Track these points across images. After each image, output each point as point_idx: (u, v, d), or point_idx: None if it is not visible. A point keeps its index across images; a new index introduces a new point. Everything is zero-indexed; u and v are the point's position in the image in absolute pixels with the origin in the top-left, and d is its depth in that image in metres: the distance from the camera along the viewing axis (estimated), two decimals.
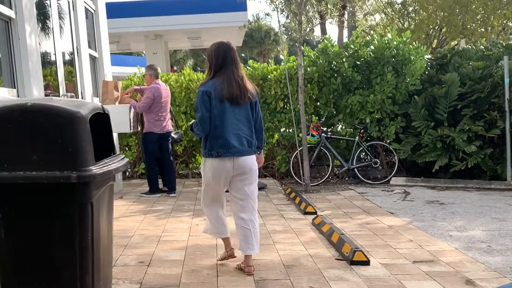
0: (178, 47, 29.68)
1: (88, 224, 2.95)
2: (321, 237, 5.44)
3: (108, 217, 3.28)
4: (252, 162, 4.23)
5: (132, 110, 8.00)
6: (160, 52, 18.39)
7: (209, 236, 4.88)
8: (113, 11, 13.32)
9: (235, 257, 4.47)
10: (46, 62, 6.22)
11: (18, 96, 5.08)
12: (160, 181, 8.35)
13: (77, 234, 2.92)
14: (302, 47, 9.08)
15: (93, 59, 8.74)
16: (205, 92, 4.08)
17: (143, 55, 21.74)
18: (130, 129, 7.96)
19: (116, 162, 3.22)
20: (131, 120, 7.97)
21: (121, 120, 7.82)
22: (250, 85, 4.22)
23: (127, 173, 10.30)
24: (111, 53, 20.41)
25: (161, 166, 8.32)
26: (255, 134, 4.28)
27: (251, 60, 10.55)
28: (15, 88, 5.11)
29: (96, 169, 2.92)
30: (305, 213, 6.65)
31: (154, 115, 7.92)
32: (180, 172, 10.65)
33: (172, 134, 8.19)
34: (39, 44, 5.61)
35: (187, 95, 10.16)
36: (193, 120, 4.31)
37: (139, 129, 8.62)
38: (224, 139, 4.08)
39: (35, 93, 5.27)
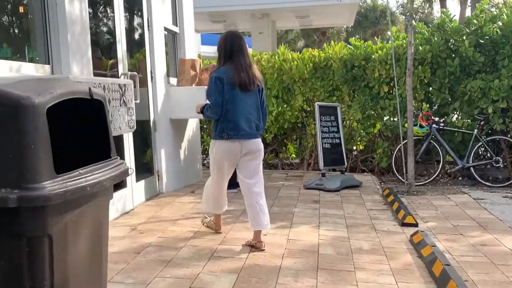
0: (286, 27, 28.65)
1: (43, 267, 1.98)
2: (419, 263, 4.19)
3: (91, 251, 2.31)
4: (259, 143, 4.50)
5: None
6: (266, 32, 17.54)
7: (271, 255, 4.20)
8: None
9: (220, 233, 4.89)
10: (100, 36, 5.40)
11: (52, 73, 4.29)
12: None
13: (26, 282, 1.96)
14: (413, 22, 7.66)
15: (172, 34, 7.92)
16: (218, 78, 4.27)
17: (249, 35, 20.95)
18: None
19: (103, 172, 2.22)
20: None
21: (195, 104, 6.90)
22: (257, 73, 4.45)
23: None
24: (216, 33, 19.93)
25: None
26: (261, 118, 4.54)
27: (353, 38, 9.24)
28: (49, 64, 4.31)
29: (54, 186, 1.94)
30: (403, 224, 5.38)
31: None
32: (268, 162, 9.65)
33: None
34: (88, 13, 4.76)
35: (279, 77, 9.12)
36: (206, 103, 4.46)
37: None
38: (235, 123, 4.32)
39: (75, 71, 4.44)
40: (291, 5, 15.96)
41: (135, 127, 4.46)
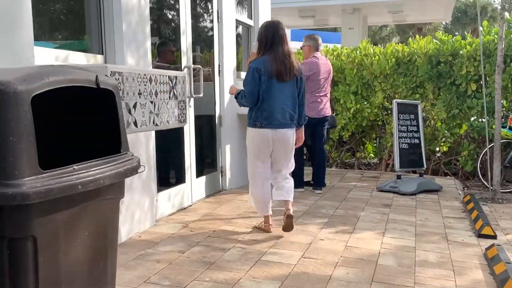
0: (378, 22, 27.79)
1: (27, 271, 1.81)
2: (490, 282, 3.72)
3: (93, 254, 2.12)
4: (291, 133, 4.63)
5: None
6: (356, 27, 16.97)
7: (323, 263, 3.92)
8: None
9: (270, 232, 4.72)
10: (162, 26, 5.28)
11: (105, 63, 4.20)
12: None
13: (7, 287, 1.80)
14: (506, 14, 7.00)
15: (247, 28, 7.72)
16: (255, 69, 4.42)
17: (339, 30, 20.45)
18: None
19: (104, 168, 2.03)
20: None
21: None
22: (296, 63, 4.54)
23: None
24: (306, 28, 19.59)
25: (311, 156, 7.05)
26: (298, 108, 4.63)
27: (439, 32, 8.62)
28: (102, 54, 4.22)
29: (36, 183, 1.76)
30: (480, 235, 4.86)
31: (310, 96, 6.64)
32: (344, 161, 9.26)
33: None
34: (148, 1, 4.64)
35: (359, 72, 8.68)
36: (241, 90, 4.60)
37: None
38: (269, 112, 4.45)
39: (130, 62, 4.33)
40: None
41: (186, 122, 4.28)
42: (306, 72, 6.54)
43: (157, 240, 4.41)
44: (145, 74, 3.59)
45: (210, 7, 6.31)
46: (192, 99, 5.68)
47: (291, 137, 4.63)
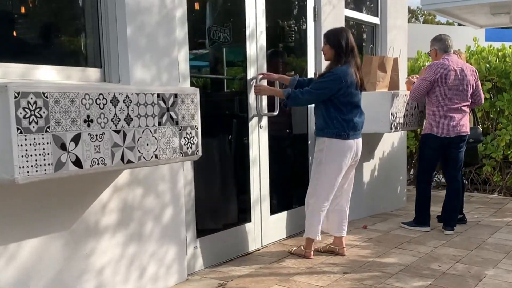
0: None
1: None
2: None
3: None
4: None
5: (403, 99, 5.46)
6: None
7: None
8: None
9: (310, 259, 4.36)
10: (216, 27, 4.25)
11: (104, 79, 3.30)
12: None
13: None
14: None
15: (372, 27, 6.39)
16: (343, 79, 4.12)
17: None
18: (391, 129, 5.35)
19: None
20: (394, 115, 5.36)
21: (379, 115, 5.32)
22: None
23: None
24: (500, 27, 17.04)
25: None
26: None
27: None
28: (100, 67, 3.32)
29: None
30: None
31: (437, 108, 5.19)
32: (508, 185, 7.36)
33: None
34: None
35: None
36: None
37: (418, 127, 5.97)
38: (354, 123, 4.23)
39: (141, 76, 3.35)
40: None
41: (198, 154, 3.20)
42: (429, 77, 5.13)
43: None
44: (101, 94, 2.61)
45: (300, 0, 5.16)
46: (265, 118, 4.59)
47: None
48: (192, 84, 3.94)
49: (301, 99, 4.20)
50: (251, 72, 4.46)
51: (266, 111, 4.57)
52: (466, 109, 5.23)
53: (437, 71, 5.10)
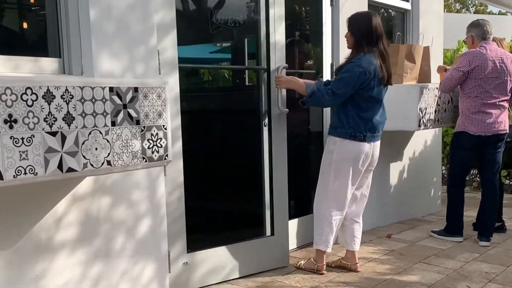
0: None
1: None
2: None
3: None
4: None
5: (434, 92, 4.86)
6: None
7: None
8: None
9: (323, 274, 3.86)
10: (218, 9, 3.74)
11: (64, 71, 2.83)
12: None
13: None
14: None
15: (402, 13, 5.76)
16: (366, 71, 3.55)
17: None
18: (419, 126, 4.73)
19: None
20: (423, 111, 4.74)
21: (405, 111, 4.72)
22: None
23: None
24: None
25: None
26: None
27: None
28: (60, 57, 2.84)
29: None
30: None
31: (471, 102, 4.59)
32: None
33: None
34: None
35: None
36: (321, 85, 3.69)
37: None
38: (374, 123, 3.69)
39: (109, 68, 2.87)
40: None
41: (169, 159, 2.70)
42: (462, 66, 4.52)
43: None
44: (29, 88, 2.14)
45: None
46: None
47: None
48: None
49: (327, 100, 3.66)
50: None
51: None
52: (506, 104, 4.61)
53: (472, 61, 4.49)
